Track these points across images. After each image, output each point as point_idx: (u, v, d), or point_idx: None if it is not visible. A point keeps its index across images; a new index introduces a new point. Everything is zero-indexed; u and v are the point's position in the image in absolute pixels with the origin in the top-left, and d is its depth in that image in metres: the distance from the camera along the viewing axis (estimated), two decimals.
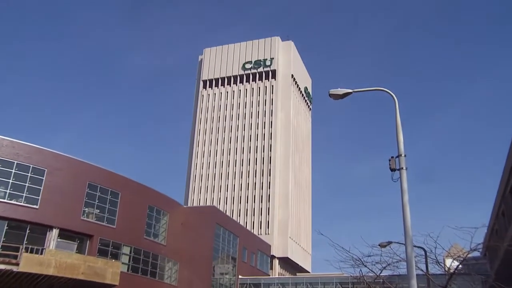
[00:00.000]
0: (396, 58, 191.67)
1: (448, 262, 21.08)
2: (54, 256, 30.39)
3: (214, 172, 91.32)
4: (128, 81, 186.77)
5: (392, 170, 11.39)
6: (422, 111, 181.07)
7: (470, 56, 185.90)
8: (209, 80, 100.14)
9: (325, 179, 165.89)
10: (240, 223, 79.76)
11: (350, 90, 12.97)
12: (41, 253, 31.26)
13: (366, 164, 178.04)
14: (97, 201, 37.28)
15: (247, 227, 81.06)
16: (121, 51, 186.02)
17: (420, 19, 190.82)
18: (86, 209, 36.57)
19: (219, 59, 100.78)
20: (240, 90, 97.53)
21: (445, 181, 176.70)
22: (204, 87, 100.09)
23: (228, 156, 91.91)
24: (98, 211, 37.39)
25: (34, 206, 32.98)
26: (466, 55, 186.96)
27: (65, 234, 34.40)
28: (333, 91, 12.97)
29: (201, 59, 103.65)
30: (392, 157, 11.55)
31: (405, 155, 11.52)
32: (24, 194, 32.78)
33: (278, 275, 78.47)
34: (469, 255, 18.91)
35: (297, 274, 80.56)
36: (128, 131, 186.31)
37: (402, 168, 11.32)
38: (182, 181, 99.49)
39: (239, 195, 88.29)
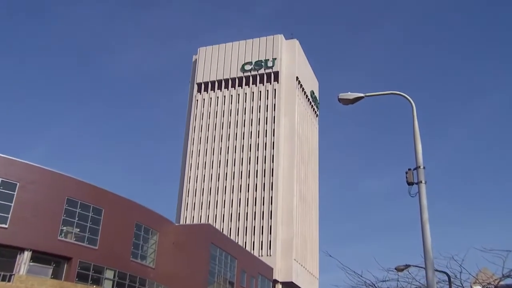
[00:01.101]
0: (411, 59, 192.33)
1: None
2: (25, 283, 29.89)
3: (209, 186, 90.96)
4: (114, 84, 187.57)
5: (410, 184, 11.28)
6: (440, 118, 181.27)
7: (488, 64, 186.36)
8: (204, 83, 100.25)
9: (335, 194, 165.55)
10: (239, 243, 79.13)
11: (362, 94, 12.88)
12: (10, 280, 30.72)
13: (380, 177, 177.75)
14: (76, 218, 36.83)
15: (247, 248, 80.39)
16: (106, 50, 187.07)
17: (438, 19, 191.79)
18: (64, 228, 36.11)
19: (216, 60, 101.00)
20: (238, 94, 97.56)
21: (471, 197, 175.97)
22: (199, 90, 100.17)
23: (226, 167, 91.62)
24: (78, 230, 36.94)
25: (3, 225, 32.50)
26: (485, 62, 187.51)
27: (38, 257, 33.88)
28: (343, 95, 12.88)
29: (196, 59, 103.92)
30: (409, 169, 11.42)
31: (424, 167, 11.34)
32: None
33: None
34: (501, 282, 18.48)
35: None
36: (113, 140, 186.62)
37: (421, 181, 11.13)
38: (174, 196, 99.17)
39: (238, 212, 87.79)
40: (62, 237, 35.82)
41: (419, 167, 11.33)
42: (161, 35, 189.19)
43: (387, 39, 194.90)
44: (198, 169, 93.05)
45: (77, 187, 37.46)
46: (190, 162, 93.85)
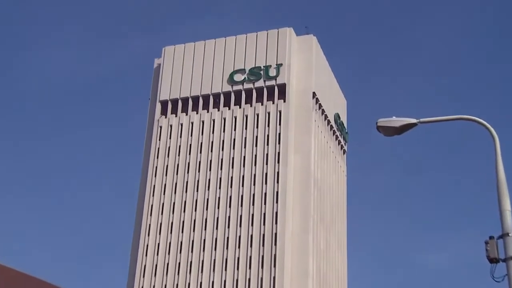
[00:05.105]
0: (475, 69, 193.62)
1: None
2: None
3: (177, 260, 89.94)
4: (35, 98, 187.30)
5: (493, 261, 11.23)
6: None
7: None
8: (171, 100, 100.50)
9: (372, 273, 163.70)
10: None
11: (414, 120, 13.09)
12: None
13: (443, 249, 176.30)
14: None
15: None
16: (23, 48, 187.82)
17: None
18: None
19: (189, 66, 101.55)
20: (224, 119, 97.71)
21: None
22: (163, 112, 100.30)
23: (203, 231, 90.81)
24: None
25: None
26: None
27: None
28: (384, 121, 13.10)
29: (159, 64, 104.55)
30: (491, 237, 11.45)
31: None
32: None
33: None
34: None
35: None
36: (28, 187, 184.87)
37: None
38: (123, 274, 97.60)
39: None
40: None
41: (508, 234, 11.20)
42: (108, 26, 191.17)
43: (450, 37, 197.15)
44: (160, 233, 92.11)
45: None
46: (149, 223, 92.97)
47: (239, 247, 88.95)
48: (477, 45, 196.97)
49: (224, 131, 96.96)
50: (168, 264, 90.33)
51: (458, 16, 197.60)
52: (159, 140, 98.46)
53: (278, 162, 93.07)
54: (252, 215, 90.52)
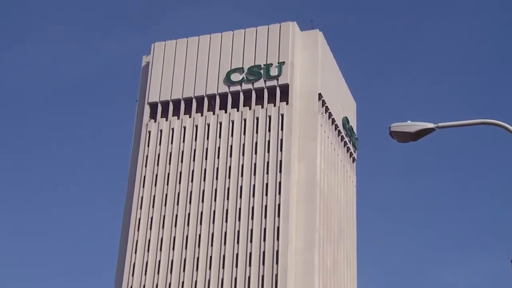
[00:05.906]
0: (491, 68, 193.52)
1: None
2: None
3: (168, 279, 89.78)
4: (13, 99, 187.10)
5: None
6: None
7: None
8: (161, 102, 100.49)
9: None
10: None
11: (431, 125, 12.98)
12: None
13: (463, 267, 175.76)
14: None
15: None
16: (3, 49, 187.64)
17: None
18: None
19: (181, 65, 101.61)
20: (220, 123, 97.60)
21: None
22: (153, 115, 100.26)
23: (196, 248, 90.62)
24: None
25: None
26: None
27: None
28: (398, 126, 12.92)
29: (148, 62, 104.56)
30: None
31: None
32: None
33: None
34: None
35: None
36: (8, 195, 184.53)
37: None
38: None
39: None
40: None
41: None
42: (91, 20, 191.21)
43: (466, 35, 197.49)
44: (148, 251, 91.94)
45: None
46: (136, 238, 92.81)
47: (236, 266, 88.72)
48: (491, 45, 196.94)
49: (220, 137, 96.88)
50: (157, 285, 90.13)
51: (474, 15, 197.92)
52: (148, 146, 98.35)
53: (280, 171, 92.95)
54: (251, 230, 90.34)
